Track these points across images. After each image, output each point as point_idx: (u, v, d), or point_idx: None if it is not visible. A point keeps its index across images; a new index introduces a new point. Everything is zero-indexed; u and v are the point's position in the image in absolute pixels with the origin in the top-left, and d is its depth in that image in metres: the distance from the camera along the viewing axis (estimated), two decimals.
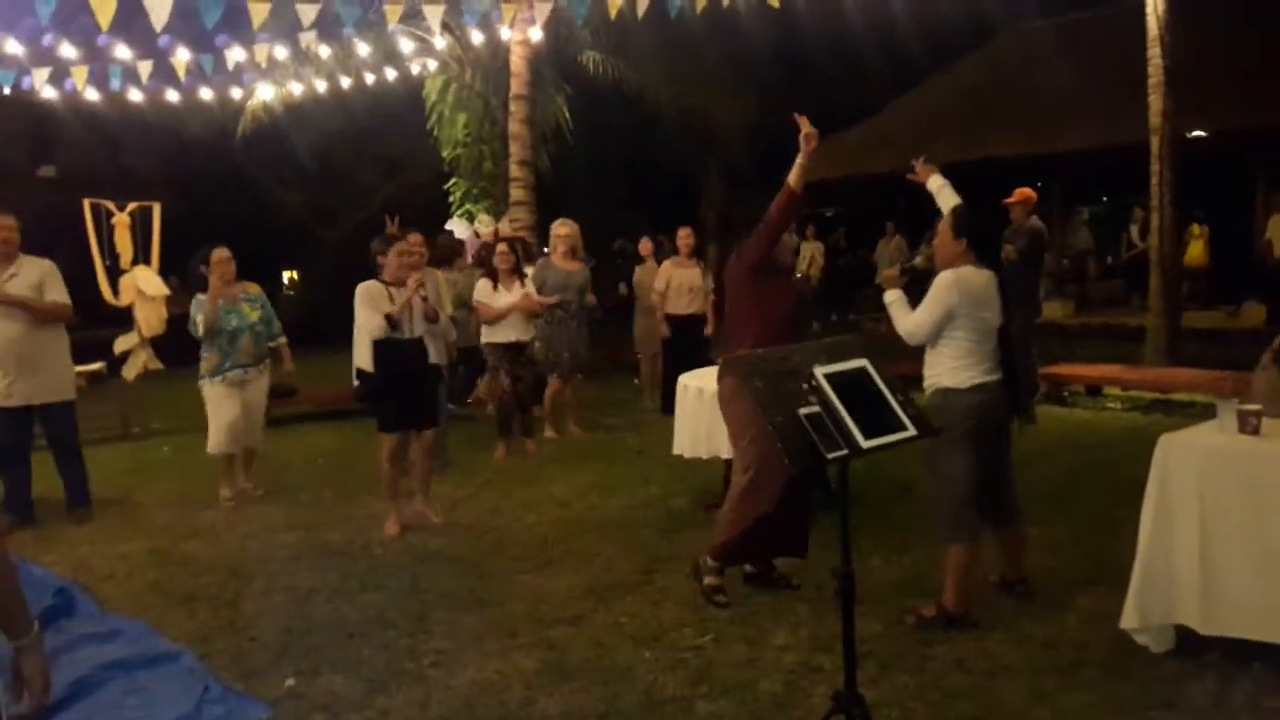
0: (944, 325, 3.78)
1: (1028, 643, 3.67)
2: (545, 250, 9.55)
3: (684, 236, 8.55)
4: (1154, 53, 9.03)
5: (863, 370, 2.70)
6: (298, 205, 19.25)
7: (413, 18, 8.91)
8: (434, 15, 7.07)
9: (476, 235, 12.95)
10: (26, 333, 5.75)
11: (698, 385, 5.38)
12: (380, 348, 5.50)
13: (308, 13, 6.64)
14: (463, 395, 9.22)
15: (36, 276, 5.80)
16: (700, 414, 5.30)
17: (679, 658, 3.69)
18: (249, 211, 17.89)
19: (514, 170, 11.37)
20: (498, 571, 4.78)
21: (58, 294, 5.89)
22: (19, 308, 5.71)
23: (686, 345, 8.19)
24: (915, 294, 3.90)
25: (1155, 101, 9.07)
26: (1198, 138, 11.42)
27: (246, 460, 6.58)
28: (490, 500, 6.17)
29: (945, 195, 4.21)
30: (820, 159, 16.15)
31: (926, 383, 3.93)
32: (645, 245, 9.91)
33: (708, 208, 21.70)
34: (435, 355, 6.00)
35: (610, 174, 18.63)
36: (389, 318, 5.41)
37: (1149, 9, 8.99)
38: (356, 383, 5.88)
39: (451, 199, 13.13)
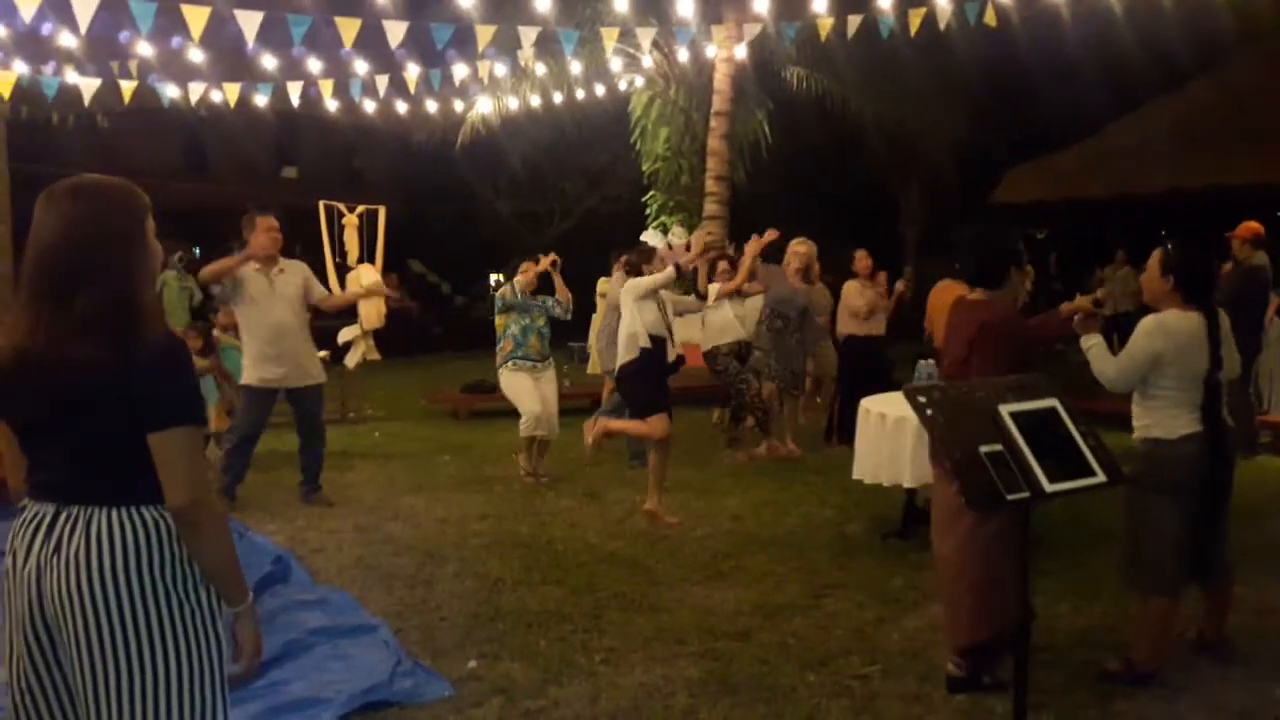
0: (1148, 373, 3.59)
1: (1222, 712, 3.43)
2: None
3: (861, 258, 8.41)
4: None
5: (1052, 410, 2.64)
6: (508, 212, 20.25)
7: (624, 36, 9.26)
8: (645, 37, 7.33)
9: (669, 247, 13.24)
10: (296, 324, 6.38)
11: (880, 410, 5.32)
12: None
13: (529, 35, 7.04)
14: None
15: (300, 276, 6.43)
16: (882, 439, 5.25)
17: (844, 685, 3.68)
18: (464, 216, 19.02)
19: (710, 185, 11.56)
20: (669, 579, 4.90)
21: (320, 291, 6.66)
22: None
23: (866, 368, 8.03)
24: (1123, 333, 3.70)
25: None
26: None
27: (541, 449, 7.09)
28: (667, 508, 6.29)
29: (1095, 353, 3.78)
30: (1031, 180, 15.42)
31: (1136, 433, 3.73)
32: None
33: (907, 225, 21.21)
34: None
35: (806, 190, 18.54)
36: None
37: None
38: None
39: (648, 211, 13.48)
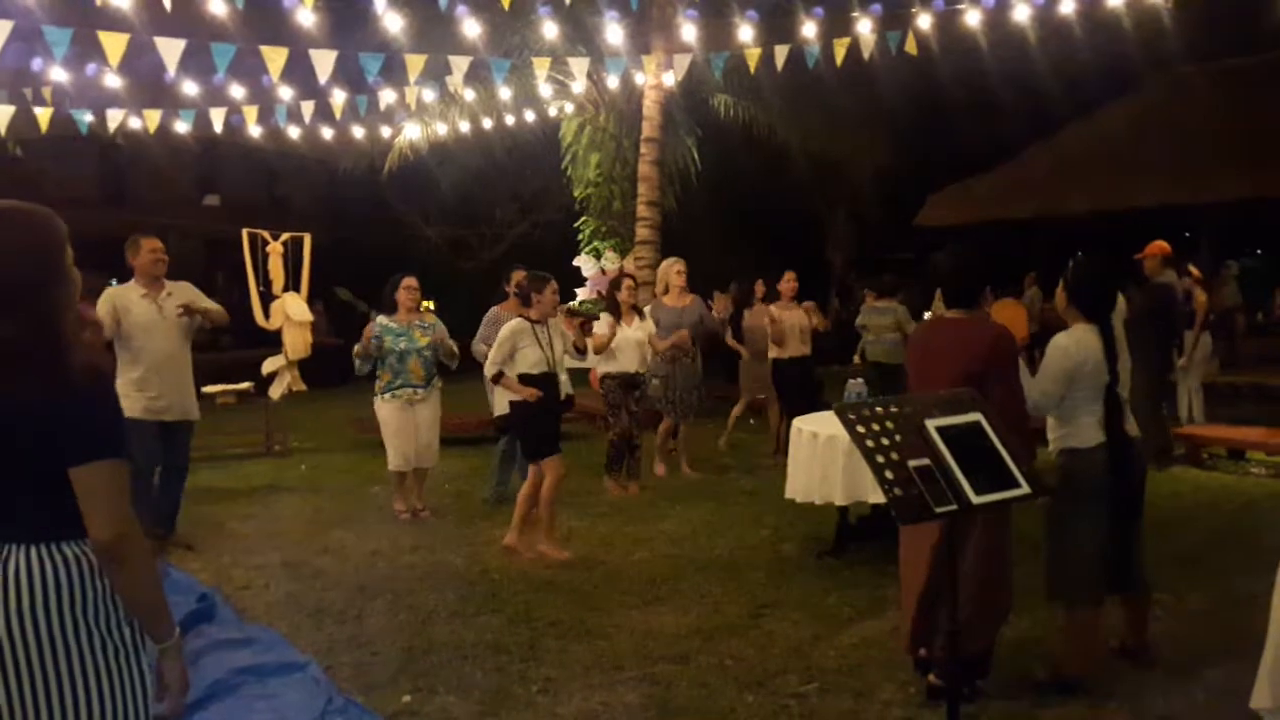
0: (1067, 390, 3.70)
1: (1146, 715, 3.53)
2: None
3: (788, 280, 8.56)
4: None
5: (976, 424, 2.70)
6: (438, 239, 20.09)
7: (555, 64, 9.30)
8: (579, 68, 7.35)
9: (602, 272, 13.31)
10: (182, 354, 5.96)
11: (811, 429, 5.39)
12: (528, 383, 5.72)
13: (460, 64, 7.00)
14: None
15: (188, 298, 5.98)
16: (814, 458, 5.30)
17: (782, 704, 3.69)
18: (393, 243, 18.80)
19: (641, 210, 11.64)
20: (607, 604, 4.87)
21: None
22: (203, 315, 5.97)
23: (795, 388, 8.23)
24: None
25: None
26: None
27: (418, 479, 6.84)
28: (603, 533, 6.29)
29: None
30: (953, 204, 15.83)
31: (1052, 445, 3.84)
32: (760, 287, 9.88)
33: (834, 250, 21.62)
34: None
35: (734, 215, 18.77)
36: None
37: None
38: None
39: (580, 236, 13.51)
